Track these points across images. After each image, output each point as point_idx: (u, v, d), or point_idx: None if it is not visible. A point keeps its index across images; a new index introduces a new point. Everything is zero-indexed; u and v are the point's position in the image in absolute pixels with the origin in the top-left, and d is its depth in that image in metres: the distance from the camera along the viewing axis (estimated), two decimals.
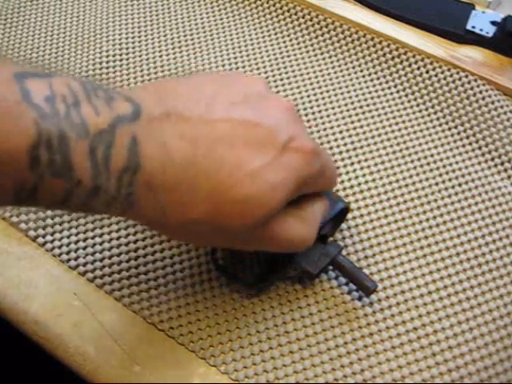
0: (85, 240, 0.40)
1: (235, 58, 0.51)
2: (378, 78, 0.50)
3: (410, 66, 0.50)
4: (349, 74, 0.51)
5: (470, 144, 0.46)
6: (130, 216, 0.27)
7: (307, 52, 0.52)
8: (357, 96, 0.49)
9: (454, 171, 0.45)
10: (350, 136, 0.46)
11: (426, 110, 0.48)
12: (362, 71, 0.51)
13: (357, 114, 0.48)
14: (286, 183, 0.27)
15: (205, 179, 0.26)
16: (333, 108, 0.48)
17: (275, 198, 0.27)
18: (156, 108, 0.26)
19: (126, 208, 0.26)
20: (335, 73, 0.51)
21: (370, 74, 0.51)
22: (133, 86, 0.49)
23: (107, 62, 0.51)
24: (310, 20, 0.54)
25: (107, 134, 0.24)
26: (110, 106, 0.25)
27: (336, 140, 0.46)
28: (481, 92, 0.48)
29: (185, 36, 0.53)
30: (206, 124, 0.26)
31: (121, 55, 0.52)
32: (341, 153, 0.45)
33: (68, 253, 0.40)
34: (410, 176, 0.44)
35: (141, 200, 0.26)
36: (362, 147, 0.46)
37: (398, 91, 0.49)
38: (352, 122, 0.47)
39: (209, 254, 0.39)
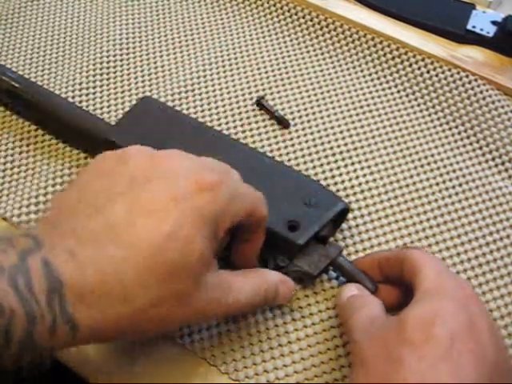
0: None
1: (235, 57, 0.51)
2: (379, 78, 0.50)
3: (410, 65, 0.50)
4: (349, 74, 0.51)
5: (471, 144, 0.46)
6: (82, 338, 0.26)
7: (308, 52, 0.52)
8: (357, 96, 0.49)
9: (454, 171, 0.45)
10: (351, 136, 0.46)
11: (427, 109, 0.48)
12: (362, 71, 0.51)
13: (357, 114, 0.48)
14: (198, 226, 0.28)
15: (126, 267, 0.26)
16: (333, 108, 0.48)
17: (196, 242, 0.27)
18: (53, 232, 0.27)
19: (72, 330, 0.26)
20: (336, 73, 0.51)
21: (370, 74, 0.51)
22: (133, 86, 0.49)
23: (107, 62, 0.51)
24: (311, 20, 0.54)
25: (20, 266, 0.25)
26: (12, 245, 0.26)
27: (336, 140, 0.46)
28: (481, 92, 0.48)
29: (185, 36, 0.53)
30: (98, 214, 0.27)
31: (121, 55, 0.52)
32: (341, 152, 0.45)
33: None
34: (411, 176, 0.44)
35: (79, 312, 0.26)
36: (362, 147, 0.46)
37: (398, 91, 0.49)
38: (352, 122, 0.47)
39: None
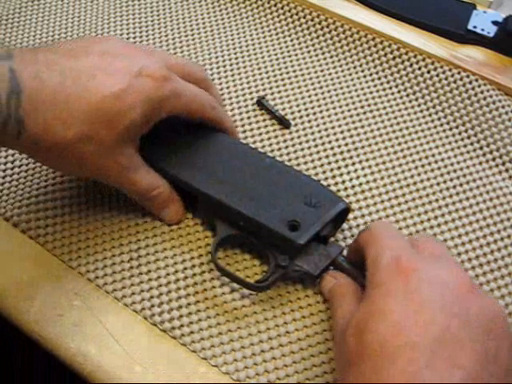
0: (85, 240, 0.40)
1: (236, 57, 0.51)
2: (379, 78, 0.50)
3: (411, 65, 0.50)
4: (350, 74, 0.51)
5: (471, 144, 0.46)
6: (25, 140, 0.33)
7: (308, 52, 0.52)
8: (358, 96, 0.49)
9: (455, 171, 0.45)
10: (351, 136, 0.46)
11: (427, 109, 0.48)
12: (363, 71, 0.51)
13: (358, 114, 0.48)
14: (140, 100, 0.34)
15: (76, 100, 0.32)
16: (334, 108, 0.48)
17: (133, 110, 0.34)
18: (28, 54, 0.33)
19: (18, 127, 0.32)
20: (336, 73, 0.51)
21: (371, 74, 0.51)
22: None
23: None
24: (311, 20, 0.54)
25: None
26: None
27: (337, 140, 0.46)
28: (482, 92, 0.48)
29: (186, 36, 0.53)
30: (71, 57, 0.34)
31: None
32: (342, 152, 0.45)
33: (69, 252, 0.40)
34: (411, 176, 0.44)
35: (28, 117, 0.31)
36: (362, 147, 0.46)
37: (399, 91, 0.49)
38: (353, 122, 0.47)
39: (211, 254, 0.39)
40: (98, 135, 0.34)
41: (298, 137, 0.46)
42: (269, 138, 0.46)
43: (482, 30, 0.51)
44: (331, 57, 0.52)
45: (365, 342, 0.28)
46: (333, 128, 0.47)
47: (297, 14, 0.54)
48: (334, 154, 0.45)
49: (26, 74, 0.31)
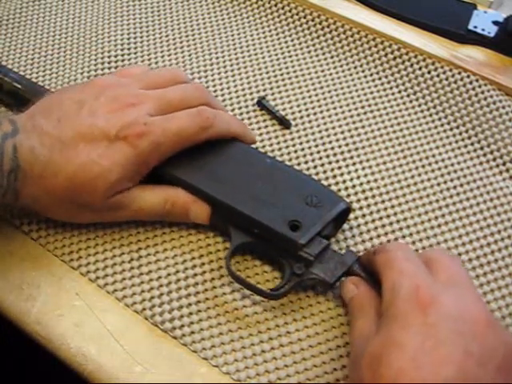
0: (86, 240, 0.40)
1: (236, 58, 0.51)
2: (380, 78, 0.50)
3: (411, 66, 0.50)
4: (350, 74, 0.51)
5: (472, 144, 0.46)
6: (19, 202, 0.37)
7: (309, 52, 0.52)
8: (358, 96, 0.49)
9: (455, 171, 0.45)
10: (352, 136, 0.46)
11: (428, 110, 0.48)
12: (363, 71, 0.51)
13: (358, 114, 0.48)
14: (119, 165, 0.36)
15: (59, 170, 0.36)
16: (334, 108, 0.48)
17: (111, 176, 0.36)
18: (28, 123, 0.37)
19: (15, 196, 0.36)
20: (337, 73, 0.51)
21: (371, 74, 0.51)
22: None
23: (109, 63, 0.51)
24: (312, 20, 0.54)
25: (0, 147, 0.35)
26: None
27: (338, 140, 0.46)
28: (482, 92, 0.48)
29: (186, 36, 0.53)
30: (58, 127, 0.37)
31: (123, 55, 0.52)
32: (342, 153, 0.45)
33: (70, 253, 0.40)
34: (412, 176, 0.44)
35: (22, 189, 0.36)
36: (363, 147, 0.46)
37: (399, 91, 0.49)
38: (354, 122, 0.47)
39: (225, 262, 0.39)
40: (82, 199, 0.37)
41: (299, 137, 0.46)
42: (269, 138, 0.46)
43: (483, 30, 0.51)
44: (331, 57, 0.52)
45: (379, 375, 0.28)
46: (333, 128, 0.47)
47: (297, 14, 0.54)
48: (335, 154, 0.45)
49: (24, 151, 0.35)
